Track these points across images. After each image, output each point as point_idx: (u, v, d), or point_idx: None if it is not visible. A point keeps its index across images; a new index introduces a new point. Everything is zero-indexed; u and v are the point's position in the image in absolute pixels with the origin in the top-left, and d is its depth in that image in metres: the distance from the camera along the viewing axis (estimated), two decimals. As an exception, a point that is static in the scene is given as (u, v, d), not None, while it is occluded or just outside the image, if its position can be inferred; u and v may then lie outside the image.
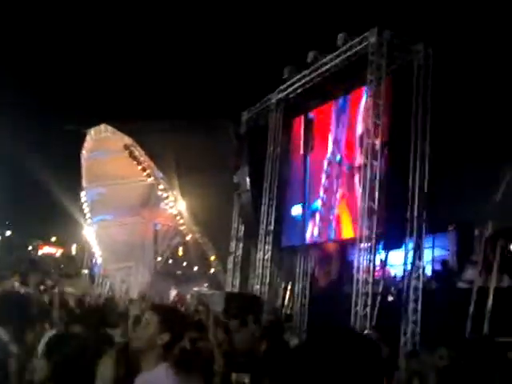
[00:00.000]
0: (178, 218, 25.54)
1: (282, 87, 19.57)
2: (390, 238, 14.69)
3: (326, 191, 18.23)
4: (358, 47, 16.04)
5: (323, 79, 17.75)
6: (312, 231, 18.59)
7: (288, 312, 20.01)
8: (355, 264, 14.65)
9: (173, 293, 28.40)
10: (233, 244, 22.10)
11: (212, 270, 26.51)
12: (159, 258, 32.19)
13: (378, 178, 14.53)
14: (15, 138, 34.10)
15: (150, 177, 25.09)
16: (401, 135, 14.75)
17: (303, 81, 18.39)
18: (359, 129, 16.80)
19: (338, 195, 17.61)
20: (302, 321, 18.55)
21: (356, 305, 14.15)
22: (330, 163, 18.21)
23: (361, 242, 14.50)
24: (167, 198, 24.86)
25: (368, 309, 14.00)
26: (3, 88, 35.19)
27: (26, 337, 4.31)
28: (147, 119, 25.72)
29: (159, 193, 25.43)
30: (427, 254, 16.15)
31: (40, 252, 55.14)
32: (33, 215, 49.23)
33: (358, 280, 14.39)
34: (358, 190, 16.18)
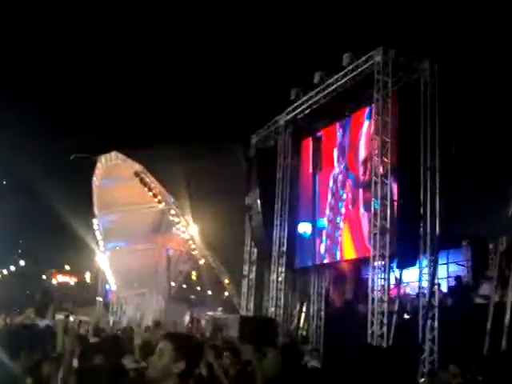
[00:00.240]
0: (190, 242, 25.57)
1: (289, 109, 19.64)
2: (404, 256, 14.61)
3: (331, 209, 18.27)
4: (364, 66, 16.10)
5: (330, 99, 17.81)
6: (319, 249, 18.62)
7: (304, 334, 19.90)
8: (369, 283, 14.57)
9: (187, 318, 28.29)
10: (246, 267, 22.04)
11: (226, 294, 26.44)
12: (173, 284, 32.15)
13: (389, 196, 14.50)
14: (27, 166, 34.37)
15: (161, 203, 25.18)
16: (410, 152, 14.74)
17: (310, 102, 18.47)
18: (362, 153, 16.92)
19: (342, 215, 17.71)
20: (318, 342, 18.42)
21: (372, 324, 14.04)
22: (335, 181, 18.29)
23: (374, 260, 14.43)
24: (179, 223, 24.92)
25: (384, 328, 13.89)
26: (17, 115, 35.55)
27: (43, 369, 4.28)
28: (156, 144, 25.86)
29: (171, 218, 25.50)
30: (442, 271, 16.05)
31: (54, 281, 55.24)
32: (46, 244, 49.36)
33: (373, 299, 14.29)
34: (362, 211, 16.26)
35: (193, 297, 39.77)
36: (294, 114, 19.50)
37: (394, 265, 14.94)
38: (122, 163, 24.88)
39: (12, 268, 52.87)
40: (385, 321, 13.93)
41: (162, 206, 25.63)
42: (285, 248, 19.59)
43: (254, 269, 21.91)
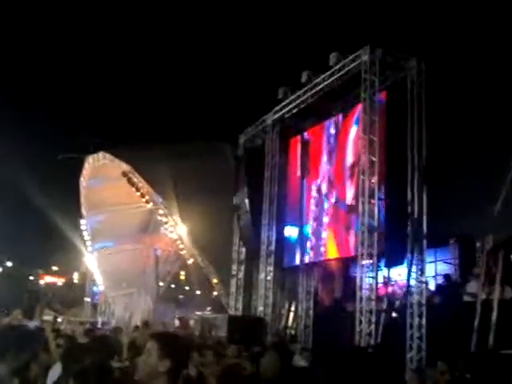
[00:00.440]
0: (178, 242, 25.53)
1: (277, 108, 19.64)
2: (392, 255, 14.65)
3: (314, 219, 18.40)
4: (351, 65, 16.13)
5: (318, 99, 17.83)
6: (303, 259, 18.83)
7: (292, 332, 19.92)
8: (357, 282, 14.60)
9: (176, 318, 28.26)
10: (234, 266, 22.03)
11: (215, 294, 26.44)
12: (161, 284, 32.12)
13: (376, 195, 14.54)
14: (14, 166, 34.13)
15: (148, 202, 25.11)
16: (397, 151, 14.78)
17: (298, 101, 18.48)
18: (349, 159, 17.03)
19: (325, 225, 17.82)
20: (307, 341, 18.45)
21: (360, 323, 14.08)
22: (318, 190, 18.38)
23: (362, 259, 14.46)
24: (167, 222, 24.88)
25: (373, 326, 13.93)
26: (3, 115, 35.29)
27: (31, 370, 4.24)
28: (144, 145, 25.80)
29: (159, 218, 25.45)
30: (430, 269, 16.12)
31: (42, 282, 54.93)
32: (33, 245, 49.03)
33: (361, 298, 14.33)
34: (349, 221, 16.38)
35: (181, 297, 39.76)
36: (281, 113, 19.49)
37: (382, 263, 14.98)
38: (109, 163, 24.80)
39: (-1, 269, 52.51)
40: (373, 319, 13.97)
41: (149, 205, 25.56)
42: (273, 247, 19.59)
43: (242, 268, 21.90)
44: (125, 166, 23.94)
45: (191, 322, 23.77)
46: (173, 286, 37.77)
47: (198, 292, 34.44)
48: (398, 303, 16.70)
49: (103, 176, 25.83)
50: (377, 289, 14.51)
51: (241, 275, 21.85)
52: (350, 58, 16.17)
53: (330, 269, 18.52)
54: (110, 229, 28.60)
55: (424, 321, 13.74)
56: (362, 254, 14.46)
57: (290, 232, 19.61)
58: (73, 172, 27.74)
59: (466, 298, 14.64)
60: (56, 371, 5.11)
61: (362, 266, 14.47)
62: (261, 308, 19.43)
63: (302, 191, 19.21)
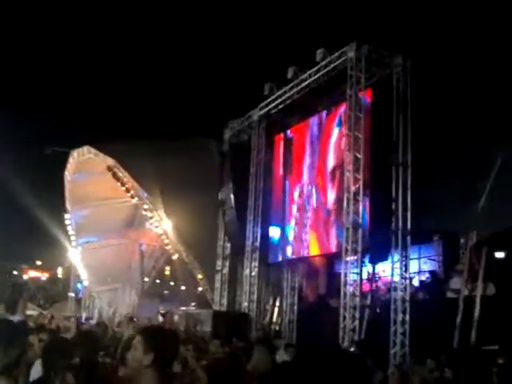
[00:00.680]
0: (163, 237, 25.48)
1: (263, 104, 19.62)
2: (376, 251, 14.71)
3: (296, 223, 18.47)
4: (337, 62, 16.13)
5: (304, 95, 17.83)
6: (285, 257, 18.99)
7: (277, 328, 19.96)
8: (342, 278, 14.64)
9: (160, 313, 28.21)
10: (219, 262, 22.02)
11: (199, 289, 26.42)
12: (146, 279, 32.03)
13: (361, 191, 14.57)
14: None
15: (133, 197, 25.03)
16: (382, 147, 14.82)
17: (284, 97, 18.46)
18: (330, 162, 17.09)
19: (307, 228, 17.89)
20: (291, 337, 18.49)
21: (344, 318, 14.13)
22: (301, 194, 18.43)
23: (347, 255, 14.51)
24: (152, 217, 24.81)
25: (356, 322, 13.99)
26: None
27: (20, 367, 4.17)
28: (129, 139, 25.69)
29: (144, 213, 25.39)
30: (414, 265, 16.22)
31: (25, 276, 54.63)
32: (17, 239, 48.74)
33: (345, 294, 14.38)
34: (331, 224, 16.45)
35: (166, 292, 39.74)
36: (267, 109, 19.47)
37: (367, 260, 15.05)
38: (94, 157, 24.66)
39: (-18, 264, 52.16)
40: (357, 315, 14.02)
41: (134, 200, 25.48)
42: (258, 243, 19.60)
43: (227, 264, 21.90)
44: (110, 161, 23.83)
45: (176, 318, 23.75)
46: (158, 281, 37.74)
47: (183, 287, 34.42)
48: (382, 299, 16.79)
49: (88, 170, 25.68)
50: (361, 285, 14.57)
51: (225, 271, 21.84)
52: (336, 54, 16.17)
53: (315, 265, 18.56)
54: (94, 223, 28.46)
55: (408, 317, 13.82)
56: (347, 250, 14.50)
57: (274, 233, 19.66)
58: (57, 166, 27.58)
59: (450, 295, 14.75)
60: (38, 368, 5.05)
61: (347, 262, 14.51)
62: (245, 303, 19.45)
63: (285, 191, 19.30)
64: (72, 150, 25.87)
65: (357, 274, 14.39)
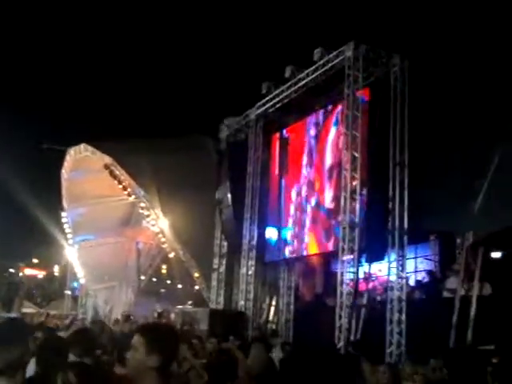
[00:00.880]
0: (160, 235, 25.44)
1: (260, 103, 19.62)
2: (373, 250, 14.73)
3: (295, 223, 18.47)
4: (335, 61, 16.13)
5: (302, 94, 17.84)
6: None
7: (273, 327, 19.97)
8: (338, 277, 14.65)
9: (157, 311, 28.21)
10: (216, 260, 22.03)
11: (196, 287, 26.41)
12: (143, 277, 32.02)
13: (358, 191, 14.59)
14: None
15: (130, 195, 24.99)
16: (379, 146, 14.83)
17: (281, 96, 18.46)
18: (328, 161, 17.10)
19: (306, 229, 17.91)
20: (288, 335, 18.50)
21: (340, 317, 14.14)
22: (299, 194, 18.43)
23: (343, 254, 14.51)
24: (149, 216, 24.77)
25: (353, 321, 14.00)
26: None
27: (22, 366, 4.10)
28: (127, 137, 25.67)
29: (140, 211, 25.34)
30: (410, 265, 16.23)
31: (22, 274, 54.55)
32: (13, 237, 48.68)
33: (341, 293, 14.38)
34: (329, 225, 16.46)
35: (162, 290, 39.72)
36: (264, 107, 19.47)
37: (363, 259, 15.06)
38: (91, 155, 24.63)
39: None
40: (353, 314, 14.04)
41: (131, 198, 25.43)
42: (255, 242, 19.60)
43: (224, 262, 21.90)
44: (107, 159, 23.80)
45: (172, 316, 23.75)
46: (154, 279, 37.71)
47: (180, 286, 34.41)
48: (378, 298, 16.81)
49: (85, 168, 25.65)
50: (357, 284, 14.58)
51: (222, 269, 21.85)
52: (334, 53, 16.18)
53: (311, 264, 18.58)
54: (91, 221, 28.42)
55: (404, 316, 13.83)
56: (343, 250, 14.51)
57: (271, 234, 19.67)
58: (54, 164, 27.54)
59: (446, 294, 14.76)
60: (33, 366, 5.02)
61: (343, 261, 14.52)
62: (242, 302, 19.45)
63: (281, 191, 19.32)
64: (69, 148, 25.85)
65: (353, 273, 14.40)
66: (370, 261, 15.56)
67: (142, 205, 24.52)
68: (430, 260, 17.80)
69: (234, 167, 20.64)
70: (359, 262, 14.63)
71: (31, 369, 4.87)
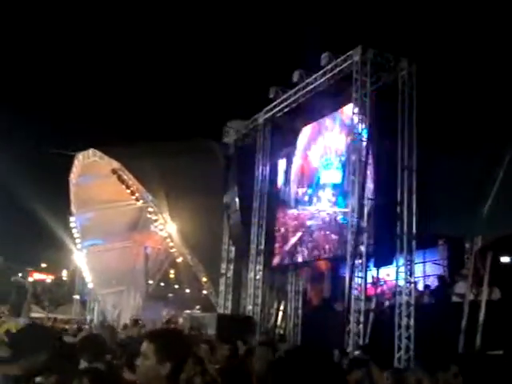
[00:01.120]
0: (168, 240, 25.48)
1: (268, 107, 19.64)
2: (381, 255, 14.68)
3: (301, 227, 18.55)
4: (343, 66, 16.14)
5: (309, 98, 17.84)
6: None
7: (281, 332, 19.93)
8: (346, 281, 14.61)
9: (164, 316, 28.25)
10: (224, 265, 22.03)
11: (204, 292, 26.41)
12: (151, 282, 32.06)
13: (366, 195, 14.56)
14: (3, 163, 33.97)
15: (138, 200, 25.05)
16: (387, 151, 14.81)
17: (289, 100, 18.48)
18: (335, 165, 17.09)
19: (313, 231, 17.89)
20: (296, 340, 18.46)
21: (349, 322, 14.09)
22: (305, 197, 18.52)
23: (351, 259, 14.47)
24: (157, 220, 24.81)
25: (361, 326, 13.96)
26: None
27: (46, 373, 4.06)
28: (134, 142, 25.77)
29: (148, 216, 25.40)
30: (418, 269, 16.16)
31: (30, 279, 54.67)
32: (22, 241, 48.87)
33: (349, 297, 14.34)
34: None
35: (170, 295, 39.70)
36: (272, 112, 19.49)
37: (371, 263, 15.01)
38: (99, 160, 24.73)
39: (-13, 266, 52.31)
40: (361, 319, 14.00)
41: (139, 203, 25.50)
42: (262, 246, 19.59)
43: (231, 267, 21.91)
44: (115, 164, 23.88)
45: (180, 321, 23.75)
46: (162, 284, 37.74)
47: (188, 290, 34.41)
48: (386, 303, 16.75)
49: (93, 173, 25.76)
50: (366, 289, 14.54)
51: (230, 274, 21.85)
52: (342, 58, 16.18)
53: (319, 269, 18.54)
54: (99, 226, 28.51)
55: (412, 321, 13.78)
56: (351, 254, 14.48)
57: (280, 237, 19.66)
58: (63, 169, 27.66)
59: (455, 299, 14.68)
60: None
61: (351, 265, 14.48)
62: (250, 307, 19.43)
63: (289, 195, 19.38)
64: (77, 153, 25.97)
65: (361, 277, 14.37)
66: (378, 265, 15.51)
67: (150, 209, 24.57)
68: (439, 265, 17.72)
69: (242, 172, 20.65)
70: (367, 266, 14.59)
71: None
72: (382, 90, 15.60)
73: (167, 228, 24.44)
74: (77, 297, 38.25)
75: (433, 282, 16.99)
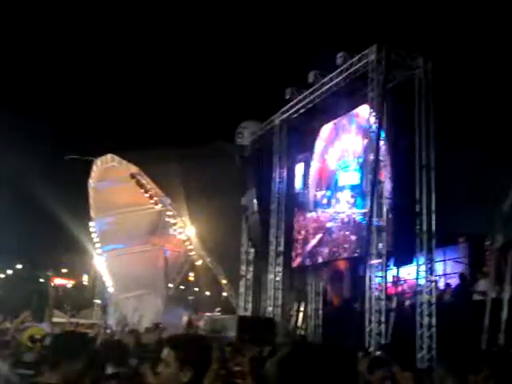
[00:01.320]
0: (187, 243, 25.53)
1: (284, 108, 19.64)
2: (401, 254, 14.62)
3: (320, 228, 18.55)
4: (358, 65, 16.12)
5: (325, 98, 17.81)
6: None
7: (302, 333, 19.91)
8: (366, 281, 14.57)
9: (185, 319, 28.30)
10: (243, 267, 22.05)
11: (224, 294, 26.45)
12: (171, 285, 32.13)
13: (384, 194, 14.52)
14: (24, 168, 34.28)
15: (157, 204, 25.14)
16: (405, 149, 14.76)
17: (305, 101, 18.47)
18: (353, 165, 17.08)
19: (332, 231, 17.92)
20: (317, 341, 18.42)
21: (370, 322, 14.05)
22: (323, 198, 18.53)
23: (371, 258, 14.43)
24: (176, 224, 24.88)
25: (382, 326, 13.91)
26: (13, 116, 35.45)
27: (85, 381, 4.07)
28: (152, 146, 25.88)
29: (167, 219, 25.47)
30: (439, 268, 16.07)
31: (51, 284, 55.08)
32: (43, 247, 49.28)
33: (370, 297, 14.30)
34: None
35: (190, 298, 39.79)
36: (288, 113, 19.49)
37: (391, 263, 14.95)
38: (117, 165, 24.85)
39: (9, 271, 52.81)
40: (382, 319, 13.94)
41: (158, 207, 25.58)
42: (282, 247, 19.58)
43: (251, 269, 21.93)
44: (133, 168, 23.98)
45: (201, 323, 23.79)
46: (182, 287, 37.83)
47: (208, 293, 34.46)
48: (407, 302, 16.67)
49: (112, 178, 25.89)
50: (386, 288, 14.48)
51: (249, 276, 21.87)
52: (357, 57, 16.16)
53: (339, 269, 18.50)
54: (118, 231, 28.65)
55: (434, 320, 13.70)
56: (371, 254, 14.43)
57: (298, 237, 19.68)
58: (82, 174, 27.83)
59: (476, 297, 14.59)
60: None
61: (371, 265, 14.44)
62: (270, 308, 19.44)
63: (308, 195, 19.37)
64: (95, 159, 26.14)
65: (381, 277, 14.31)
66: (398, 265, 15.45)
67: (169, 213, 24.64)
68: (460, 263, 17.61)
69: (260, 173, 20.68)
70: (387, 265, 14.54)
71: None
72: (397, 88, 15.56)
73: (186, 231, 24.50)
74: (98, 301, 38.43)
75: (454, 281, 16.89)
